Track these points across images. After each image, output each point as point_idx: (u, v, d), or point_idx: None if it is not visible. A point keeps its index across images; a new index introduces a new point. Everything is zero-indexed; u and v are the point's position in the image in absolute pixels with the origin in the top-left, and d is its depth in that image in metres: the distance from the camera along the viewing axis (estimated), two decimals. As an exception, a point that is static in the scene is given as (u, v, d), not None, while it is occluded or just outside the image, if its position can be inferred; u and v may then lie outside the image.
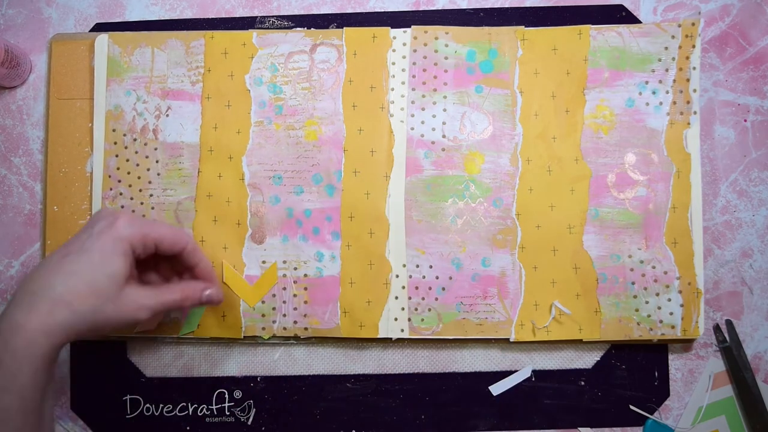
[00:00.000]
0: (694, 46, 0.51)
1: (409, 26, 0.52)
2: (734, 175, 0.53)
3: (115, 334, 0.51)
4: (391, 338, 0.51)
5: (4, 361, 0.36)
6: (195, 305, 0.45)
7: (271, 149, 0.52)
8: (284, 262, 0.51)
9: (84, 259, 0.39)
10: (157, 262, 0.46)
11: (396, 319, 0.50)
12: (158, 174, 0.52)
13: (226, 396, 0.52)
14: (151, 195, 0.52)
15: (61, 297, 0.37)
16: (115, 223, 0.41)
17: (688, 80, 0.51)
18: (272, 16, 0.54)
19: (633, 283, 0.50)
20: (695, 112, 0.51)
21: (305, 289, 0.51)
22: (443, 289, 0.51)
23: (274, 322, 0.51)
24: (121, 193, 0.52)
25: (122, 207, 0.52)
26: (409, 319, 0.50)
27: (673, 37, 0.51)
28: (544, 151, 0.51)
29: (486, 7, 0.54)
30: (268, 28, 0.54)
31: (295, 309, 0.51)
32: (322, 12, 0.55)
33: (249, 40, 0.52)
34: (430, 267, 0.51)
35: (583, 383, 0.52)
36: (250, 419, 0.52)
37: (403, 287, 0.51)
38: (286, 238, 0.51)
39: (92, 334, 0.39)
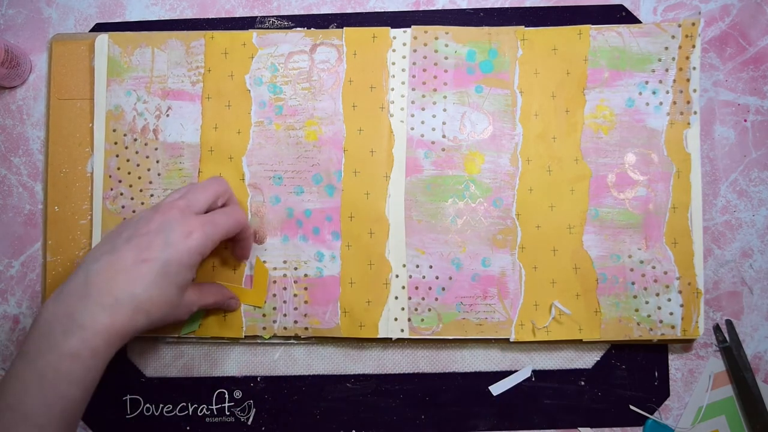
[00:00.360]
0: (694, 46, 0.51)
1: (409, 26, 0.52)
2: (734, 175, 0.53)
3: None
4: (391, 338, 0.51)
5: (82, 356, 0.38)
6: (219, 308, 0.50)
7: (272, 149, 0.52)
8: (284, 262, 0.51)
9: (162, 272, 0.40)
10: None
11: (396, 319, 0.50)
12: (159, 174, 0.52)
13: (226, 396, 0.52)
14: (151, 195, 0.52)
15: (141, 306, 0.40)
16: (192, 235, 0.41)
17: (688, 80, 0.51)
18: (272, 16, 0.54)
19: (633, 283, 0.50)
20: (695, 112, 0.51)
21: (305, 289, 0.51)
22: (443, 289, 0.51)
23: (274, 321, 0.51)
24: (121, 193, 0.52)
25: (123, 207, 0.52)
26: (409, 319, 0.50)
27: (673, 37, 0.51)
28: (544, 151, 0.51)
29: (486, 7, 0.54)
30: (268, 28, 0.54)
31: (296, 309, 0.51)
32: (322, 12, 0.55)
33: (249, 40, 0.52)
34: (430, 267, 0.51)
35: (583, 383, 0.52)
36: (250, 419, 0.52)
37: (403, 287, 0.51)
38: (286, 238, 0.51)
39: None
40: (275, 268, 0.51)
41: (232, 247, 0.50)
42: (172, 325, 0.50)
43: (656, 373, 0.52)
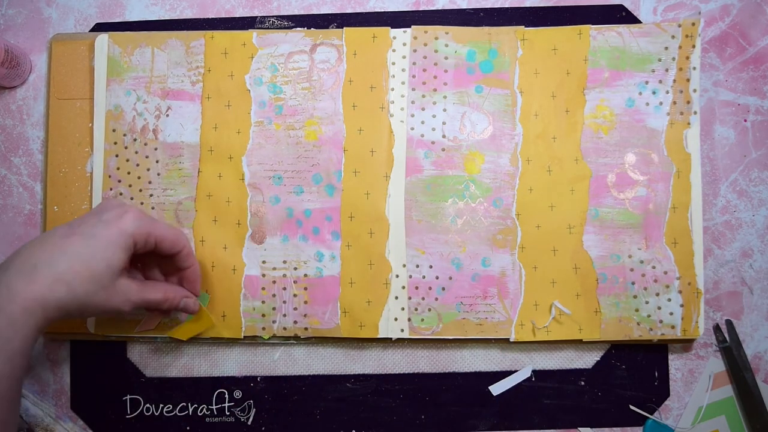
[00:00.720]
0: (694, 46, 0.51)
1: (409, 26, 0.52)
2: (734, 175, 0.53)
3: (94, 315, 0.48)
4: (391, 338, 0.51)
5: None
6: (172, 309, 0.46)
7: (271, 149, 0.52)
8: (284, 262, 0.51)
9: (89, 244, 0.40)
10: (145, 259, 0.47)
11: (396, 319, 0.50)
12: (158, 174, 0.52)
13: (226, 396, 0.52)
14: (151, 195, 0.52)
15: (61, 275, 0.39)
16: (124, 216, 0.42)
17: (688, 80, 0.51)
18: (272, 16, 0.54)
19: (633, 283, 0.50)
20: (695, 112, 0.51)
21: (305, 289, 0.51)
22: (443, 289, 0.51)
23: (274, 322, 0.51)
24: (121, 193, 0.52)
25: (122, 207, 0.52)
26: (409, 319, 0.50)
27: (673, 37, 0.51)
28: (544, 151, 0.51)
29: (486, 7, 0.54)
30: (268, 28, 0.54)
31: (295, 309, 0.51)
32: (322, 12, 0.55)
33: (249, 40, 0.52)
34: (430, 267, 0.51)
35: (583, 383, 0.52)
36: (250, 419, 0.52)
37: (403, 287, 0.51)
38: (286, 238, 0.51)
39: (77, 315, 0.41)
40: (275, 268, 0.51)
41: (178, 280, 0.48)
42: (108, 315, 0.48)
43: (656, 373, 0.52)
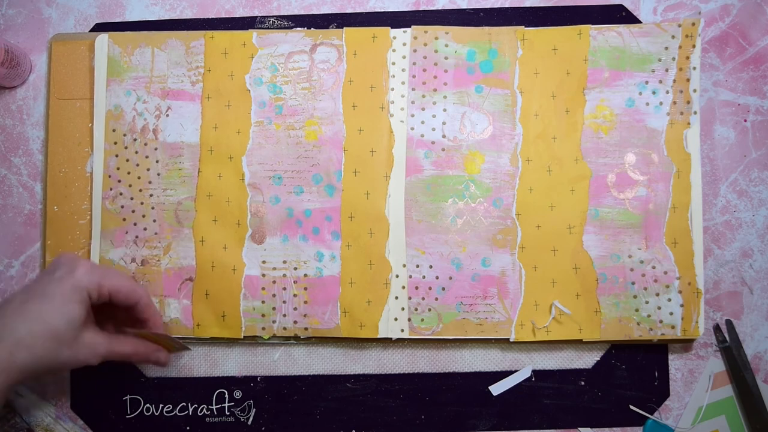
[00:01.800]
0: (694, 46, 0.51)
1: (409, 26, 0.52)
2: (734, 175, 0.53)
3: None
4: (391, 338, 0.51)
5: None
6: (142, 362, 0.48)
7: (271, 149, 0.52)
8: (284, 262, 0.51)
9: (45, 304, 0.41)
10: (115, 311, 0.47)
11: (396, 319, 0.50)
12: (158, 174, 0.52)
13: (226, 396, 0.52)
14: (151, 195, 0.52)
15: (22, 340, 0.39)
16: (75, 270, 0.42)
17: (688, 80, 0.51)
18: (272, 16, 0.54)
19: (633, 283, 0.50)
20: (695, 112, 0.51)
21: (305, 289, 0.51)
22: (443, 289, 0.51)
23: (274, 322, 0.51)
24: (121, 193, 0.52)
25: (122, 207, 0.52)
26: (409, 319, 0.50)
27: (673, 37, 0.51)
28: (544, 151, 0.51)
29: (486, 7, 0.54)
30: (268, 28, 0.54)
31: (295, 309, 0.51)
32: (322, 12, 0.55)
33: (249, 40, 0.52)
34: (430, 267, 0.51)
35: (583, 383, 0.52)
36: (250, 419, 0.52)
37: (403, 287, 0.51)
38: (286, 238, 0.51)
39: (47, 374, 0.41)
40: (275, 268, 0.51)
41: (143, 325, 0.47)
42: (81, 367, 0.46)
43: (656, 373, 0.52)
